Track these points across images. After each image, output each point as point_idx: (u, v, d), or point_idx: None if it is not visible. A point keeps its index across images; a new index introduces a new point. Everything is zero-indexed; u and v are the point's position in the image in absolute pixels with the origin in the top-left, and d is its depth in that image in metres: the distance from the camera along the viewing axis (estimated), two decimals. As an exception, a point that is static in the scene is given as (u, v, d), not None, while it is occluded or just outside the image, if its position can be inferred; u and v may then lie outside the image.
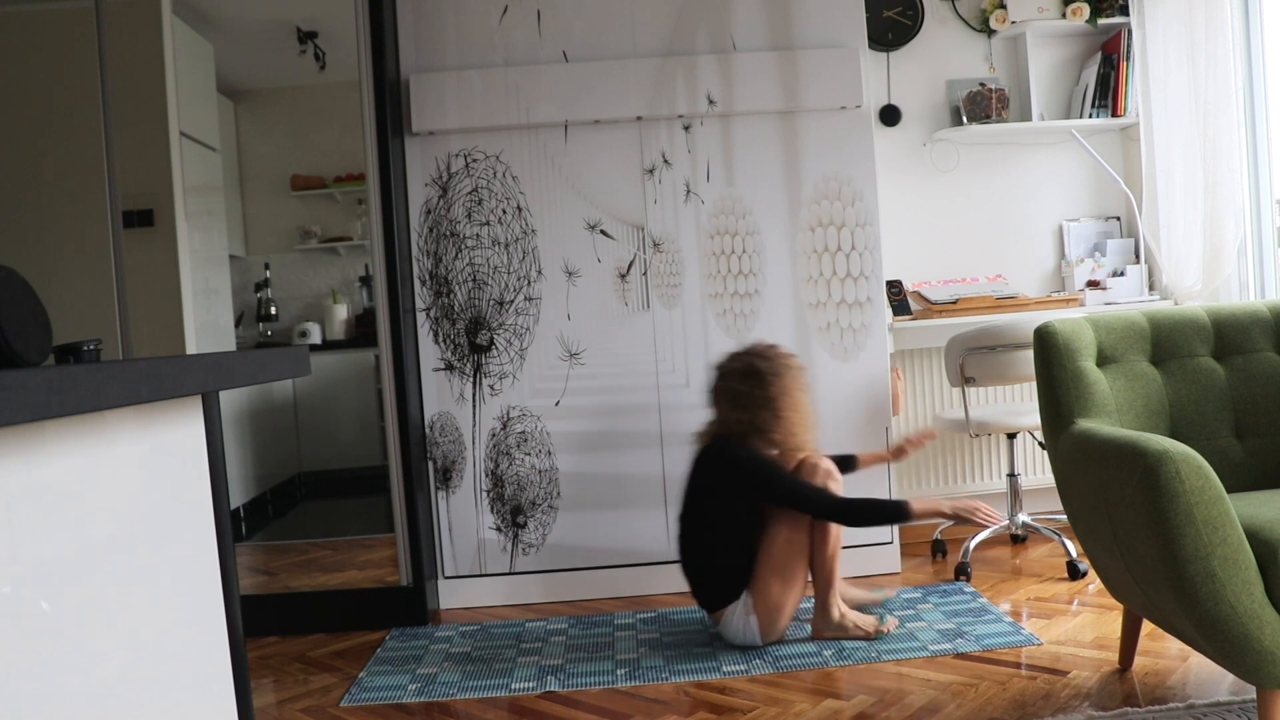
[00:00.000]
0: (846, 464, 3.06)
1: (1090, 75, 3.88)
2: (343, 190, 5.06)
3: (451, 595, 3.37)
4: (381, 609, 3.20)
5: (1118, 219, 4.02)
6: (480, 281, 3.37)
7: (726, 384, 2.80)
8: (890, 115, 3.90)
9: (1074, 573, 3.20)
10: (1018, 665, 2.51)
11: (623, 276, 3.39)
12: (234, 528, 3.25)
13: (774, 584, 2.71)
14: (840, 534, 2.74)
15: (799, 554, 2.71)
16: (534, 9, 3.35)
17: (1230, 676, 2.30)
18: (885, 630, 2.75)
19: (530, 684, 2.61)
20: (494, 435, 3.37)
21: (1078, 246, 3.99)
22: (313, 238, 5.09)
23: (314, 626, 3.22)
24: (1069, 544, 3.25)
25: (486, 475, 3.37)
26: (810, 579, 3.06)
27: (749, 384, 2.75)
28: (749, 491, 2.72)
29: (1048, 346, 2.33)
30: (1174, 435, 2.33)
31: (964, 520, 2.68)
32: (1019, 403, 3.80)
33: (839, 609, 2.75)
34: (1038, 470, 3.84)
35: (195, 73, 3.93)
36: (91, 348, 1.17)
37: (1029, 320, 3.23)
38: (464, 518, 3.37)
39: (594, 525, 3.38)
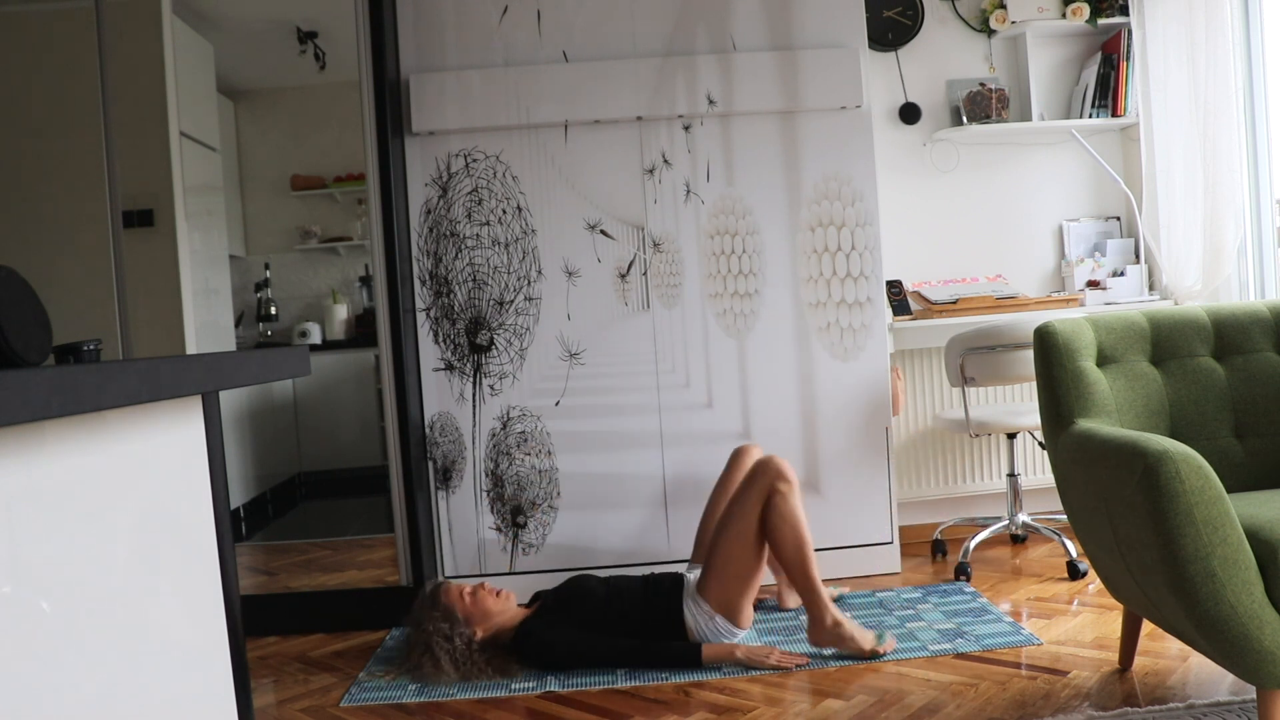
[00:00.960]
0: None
1: (1090, 75, 3.88)
2: (343, 190, 5.06)
3: (451, 595, 3.37)
4: (381, 609, 3.20)
5: (1118, 219, 4.02)
6: (480, 281, 3.37)
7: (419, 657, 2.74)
8: (910, 113, 3.90)
9: (1074, 573, 3.20)
10: (1018, 665, 2.51)
11: (623, 276, 3.39)
12: (234, 528, 3.25)
13: (730, 585, 2.69)
14: (801, 535, 2.67)
15: (754, 555, 2.70)
16: (534, 9, 3.35)
17: (1230, 676, 2.30)
18: (883, 650, 2.62)
19: (530, 684, 2.61)
20: (494, 435, 3.37)
21: (1078, 246, 3.99)
22: (313, 238, 5.09)
23: (314, 626, 3.22)
24: (1069, 544, 3.25)
25: (486, 475, 3.37)
26: (783, 586, 3.08)
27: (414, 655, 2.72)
28: (560, 655, 2.70)
29: (1048, 346, 2.33)
30: (1174, 435, 2.32)
31: (757, 668, 2.59)
32: (1019, 403, 3.80)
33: (831, 615, 2.66)
34: (1038, 470, 3.84)
35: (195, 73, 3.93)
36: (91, 348, 1.17)
37: (1029, 320, 3.23)
38: (464, 518, 3.37)
39: (594, 525, 3.38)
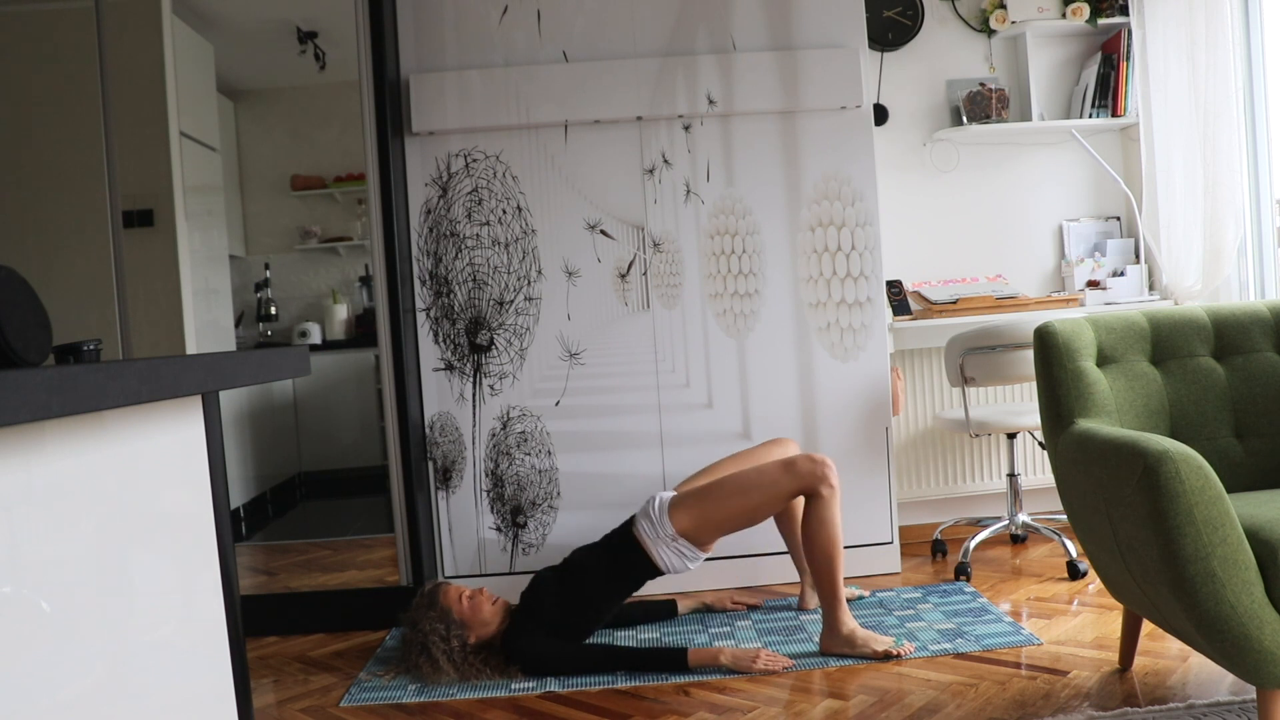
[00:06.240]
0: (668, 608, 3.10)
1: (1090, 75, 3.88)
2: (343, 190, 5.06)
3: (451, 595, 3.37)
4: (381, 609, 3.20)
5: (1118, 219, 4.02)
6: (480, 281, 3.37)
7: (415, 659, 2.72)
8: (879, 115, 3.89)
9: (1074, 573, 3.20)
10: (1018, 665, 2.51)
11: (623, 276, 3.39)
12: (234, 528, 3.25)
13: (706, 527, 2.70)
14: (836, 541, 2.67)
15: (748, 523, 2.72)
16: (534, 9, 3.35)
17: (1230, 676, 2.30)
18: (901, 653, 2.61)
19: (530, 684, 2.61)
20: (494, 435, 3.37)
21: (1078, 246, 3.99)
22: (313, 238, 5.09)
23: (314, 626, 3.22)
24: (1069, 544, 3.25)
25: (486, 475, 3.37)
26: (805, 588, 3.08)
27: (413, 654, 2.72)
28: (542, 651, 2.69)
29: (1048, 346, 2.33)
30: (1174, 435, 2.32)
31: (743, 672, 2.57)
32: (1019, 403, 3.80)
33: (848, 624, 2.66)
34: (1038, 470, 3.84)
35: (195, 73, 3.93)
36: (91, 348, 1.17)
37: (1029, 320, 3.23)
38: (464, 518, 3.37)
39: (594, 525, 3.37)
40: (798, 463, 2.69)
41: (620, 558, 2.75)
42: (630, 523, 2.78)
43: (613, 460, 3.38)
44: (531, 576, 2.89)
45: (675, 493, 2.82)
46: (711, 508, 2.70)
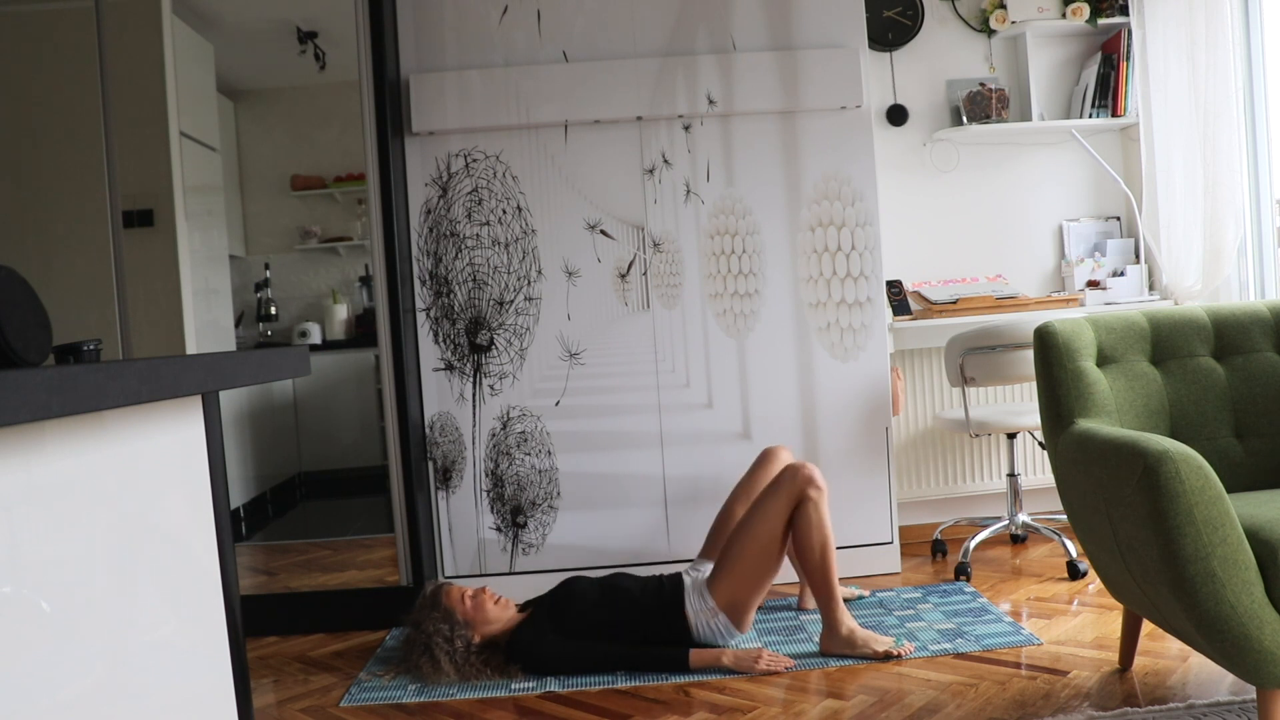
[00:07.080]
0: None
1: (1090, 75, 3.88)
2: (343, 190, 5.06)
3: (451, 595, 3.37)
4: (381, 609, 3.20)
5: (1118, 219, 4.02)
6: (480, 281, 3.37)
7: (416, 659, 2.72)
8: (897, 115, 3.90)
9: (1074, 573, 3.20)
10: (1018, 665, 2.51)
11: (623, 276, 3.39)
12: (234, 528, 3.25)
13: (741, 585, 2.68)
14: (828, 543, 2.67)
15: (773, 558, 2.69)
16: (534, 9, 3.35)
17: (1230, 676, 2.30)
18: (900, 653, 2.62)
19: (530, 684, 2.61)
20: (494, 435, 3.37)
21: (1078, 246, 3.99)
22: (313, 238, 5.09)
23: (314, 626, 3.22)
24: (1069, 544, 3.25)
25: (486, 475, 3.37)
26: (805, 587, 3.08)
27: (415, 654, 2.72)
28: (552, 654, 2.68)
29: (1048, 346, 2.33)
30: (1174, 435, 2.32)
31: (744, 672, 2.58)
32: (1019, 403, 3.80)
33: (847, 624, 2.67)
34: (1038, 470, 3.84)
35: (195, 73, 3.93)
36: (91, 348, 1.17)
37: (1029, 320, 3.23)
38: (464, 518, 3.37)
39: (594, 525, 3.38)
40: (780, 480, 2.71)
41: (665, 615, 2.72)
42: (679, 587, 2.75)
43: (613, 460, 3.38)
44: (567, 577, 2.88)
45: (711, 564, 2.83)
46: (736, 564, 2.69)
